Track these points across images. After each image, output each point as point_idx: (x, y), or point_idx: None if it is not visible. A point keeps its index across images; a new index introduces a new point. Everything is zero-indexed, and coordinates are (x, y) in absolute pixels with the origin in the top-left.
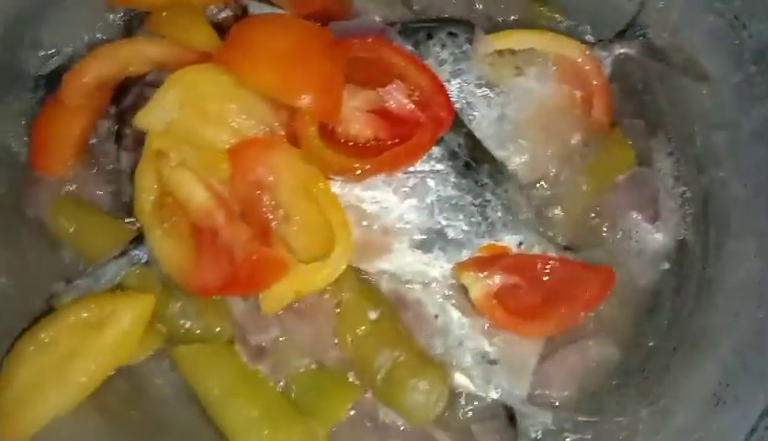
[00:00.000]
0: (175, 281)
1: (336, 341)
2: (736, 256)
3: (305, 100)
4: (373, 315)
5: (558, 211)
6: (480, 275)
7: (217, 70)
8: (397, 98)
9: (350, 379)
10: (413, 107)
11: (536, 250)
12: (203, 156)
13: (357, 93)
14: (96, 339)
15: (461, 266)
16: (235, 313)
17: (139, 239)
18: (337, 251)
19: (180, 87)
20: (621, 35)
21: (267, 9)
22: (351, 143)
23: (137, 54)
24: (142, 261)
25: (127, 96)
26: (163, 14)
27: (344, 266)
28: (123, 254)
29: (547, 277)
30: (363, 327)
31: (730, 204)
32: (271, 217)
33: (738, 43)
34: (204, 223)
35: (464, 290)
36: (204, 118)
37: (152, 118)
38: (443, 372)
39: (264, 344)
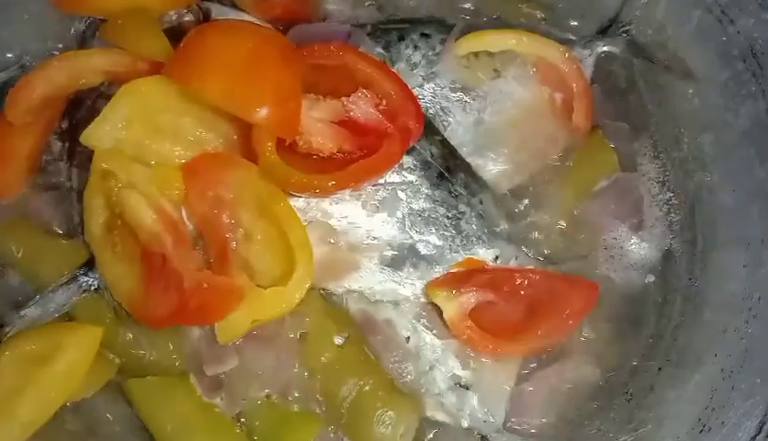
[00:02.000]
0: (125, 308)
1: (297, 370)
2: (724, 267)
3: (260, 114)
4: (339, 340)
5: (537, 221)
6: (453, 293)
7: (169, 81)
8: (362, 108)
9: (314, 411)
10: (380, 116)
11: (514, 263)
12: (155, 175)
13: (319, 103)
14: (43, 373)
15: (433, 285)
16: (191, 343)
17: (89, 264)
18: (298, 274)
19: (130, 101)
20: (603, 32)
21: (231, 14)
22: (314, 156)
23: (87, 66)
24: (93, 288)
25: (79, 109)
26: (118, 22)
27: (304, 292)
28: (72, 279)
29: (525, 292)
30: (327, 354)
31: (719, 211)
32: (230, 236)
33: (725, 40)
34: (153, 248)
35: (437, 310)
36: (157, 133)
37: (99, 134)
38: (413, 401)
39: (221, 375)
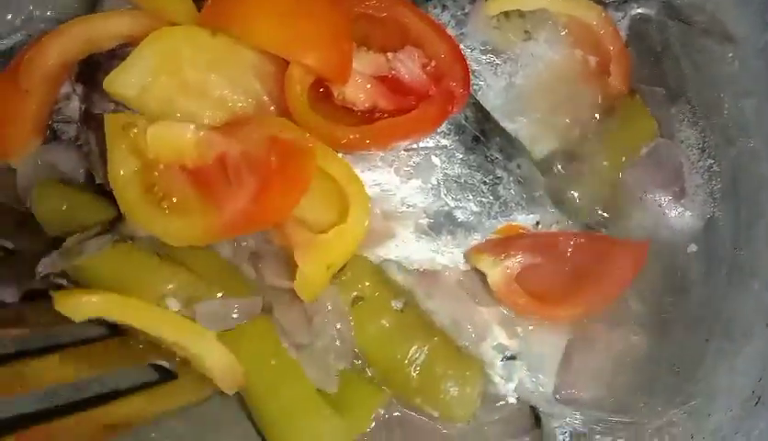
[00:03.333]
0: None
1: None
2: None
3: (311, 57)
4: (397, 305)
5: (576, 188)
6: (498, 258)
7: (201, 32)
8: (408, 66)
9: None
10: (425, 77)
11: (555, 229)
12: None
13: (362, 54)
14: None
15: (476, 250)
16: (276, 315)
17: (117, 220)
18: (354, 208)
19: (158, 49)
20: None
21: None
22: (355, 112)
23: (103, 31)
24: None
25: (95, 72)
26: None
27: (366, 223)
28: (105, 232)
29: (572, 255)
30: (387, 319)
31: (762, 178)
32: None
33: (765, 1)
34: (207, 159)
35: (479, 277)
36: (184, 88)
37: (124, 80)
38: (478, 363)
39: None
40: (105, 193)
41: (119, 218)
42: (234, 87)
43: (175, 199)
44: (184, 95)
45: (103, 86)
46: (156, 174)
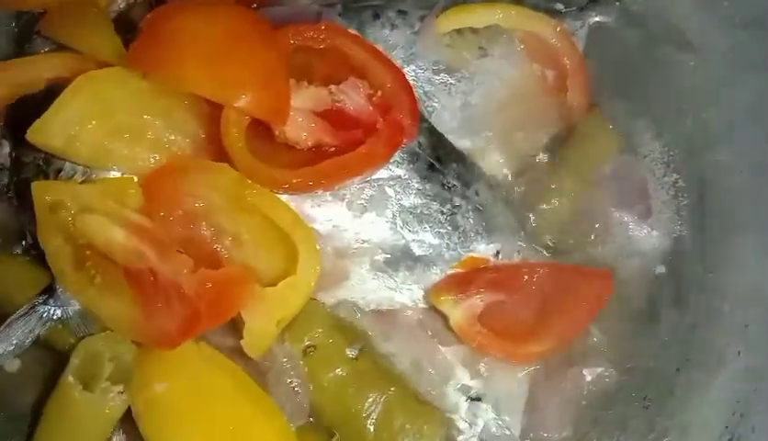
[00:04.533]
0: (136, 341)
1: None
2: (740, 255)
3: (245, 100)
4: (352, 353)
5: (537, 211)
6: (460, 297)
7: (130, 74)
8: (353, 98)
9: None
10: (371, 109)
11: (517, 258)
12: (108, 188)
13: (301, 90)
14: None
15: (435, 290)
16: None
17: (47, 291)
18: (303, 256)
19: (85, 93)
20: (594, 1)
21: None
22: (300, 150)
23: (30, 75)
24: (55, 317)
25: (24, 117)
26: (59, 14)
27: (317, 273)
28: (31, 310)
29: (536, 289)
30: (342, 368)
31: (729, 193)
32: (218, 247)
33: (726, 5)
34: (137, 265)
35: (438, 316)
36: (116, 133)
37: (50, 129)
38: (440, 412)
39: None
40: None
41: (44, 293)
42: (170, 128)
43: (107, 279)
44: (117, 139)
45: (26, 137)
46: (88, 253)
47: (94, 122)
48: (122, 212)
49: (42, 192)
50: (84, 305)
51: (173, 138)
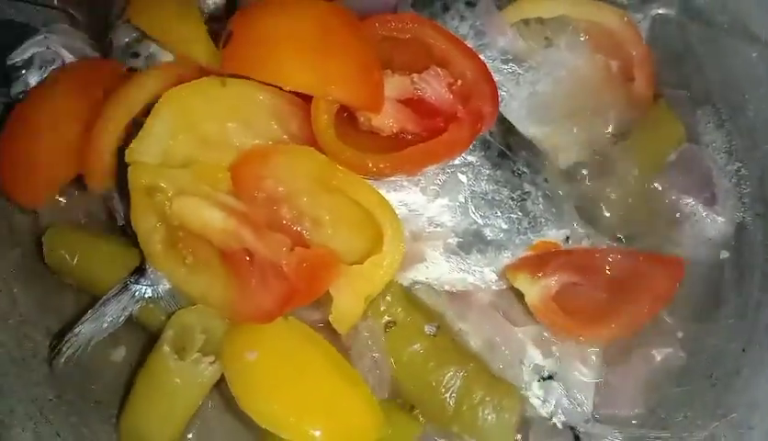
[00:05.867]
0: (224, 317)
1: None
2: None
3: (345, 92)
4: (430, 329)
5: (604, 199)
6: (536, 277)
7: (211, 84)
8: (434, 86)
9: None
10: (452, 97)
11: (586, 244)
12: (201, 174)
13: (388, 79)
14: None
15: (512, 269)
16: None
17: (139, 271)
18: (389, 234)
19: (173, 110)
20: None
21: None
22: (383, 136)
23: (141, 98)
24: (146, 296)
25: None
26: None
27: (402, 250)
28: (123, 289)
29: (609, 273)
30: (420, 344)
31: None
32: (300, 229)
33: None
34: (233, 246)
35: (512, 296)
36: (204, 143)
37: (144, 149)
38: (515, 388)
39: None
40: (126, 234)
41: (135, 273)
42: (253, 131)
43: (198, 259)
44: (205, 148)
45: (125, 159)
46: (181, 234)
47: (182, 135)
48: (217, 196)
49: (139, 175)
50: (174, 284)
51: (257, 140)
